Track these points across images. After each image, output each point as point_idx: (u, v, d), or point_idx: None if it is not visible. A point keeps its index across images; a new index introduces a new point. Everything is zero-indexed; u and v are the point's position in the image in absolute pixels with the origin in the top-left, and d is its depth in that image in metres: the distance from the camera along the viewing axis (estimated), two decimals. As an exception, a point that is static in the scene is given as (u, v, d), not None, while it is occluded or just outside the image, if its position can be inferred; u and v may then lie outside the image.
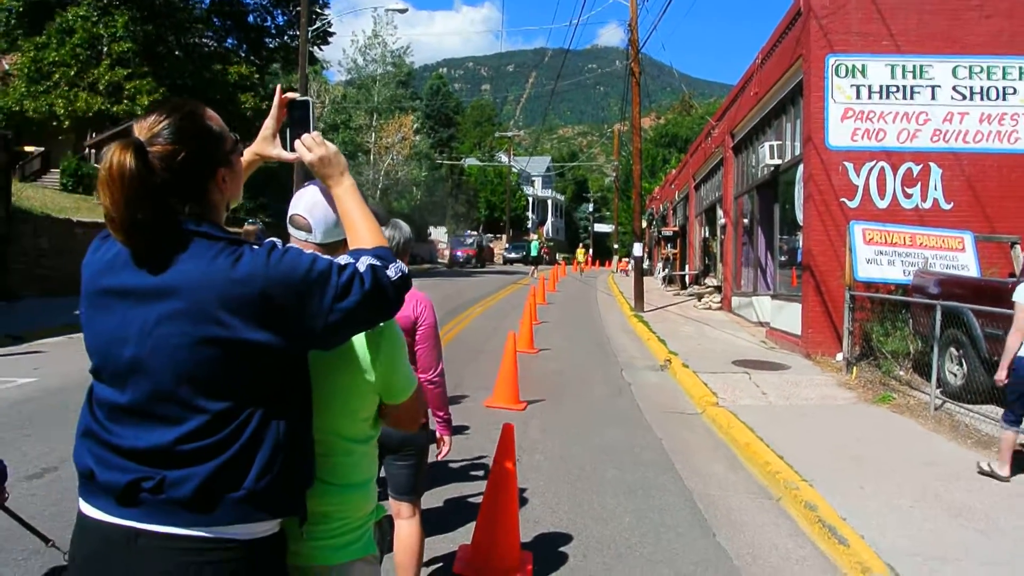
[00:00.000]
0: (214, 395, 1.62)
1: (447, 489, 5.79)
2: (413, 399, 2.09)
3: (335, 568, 1.94)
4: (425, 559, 3.95)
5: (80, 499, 1.70)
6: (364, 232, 1.90)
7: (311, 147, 1.98)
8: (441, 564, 4.49)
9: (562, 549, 4.80)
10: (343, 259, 1.73)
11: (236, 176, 1.87)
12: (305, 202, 2.09)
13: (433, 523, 4.80)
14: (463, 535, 4.85)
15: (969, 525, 5.24)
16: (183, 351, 1.60)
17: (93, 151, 29.49)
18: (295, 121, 2.13)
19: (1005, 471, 6.26)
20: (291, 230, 2.11)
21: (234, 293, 1.60)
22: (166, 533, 1.59)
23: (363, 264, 1.72)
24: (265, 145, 2.12)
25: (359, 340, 1.95)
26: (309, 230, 2.07)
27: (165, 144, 1.67)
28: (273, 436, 1.67)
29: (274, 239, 1.83)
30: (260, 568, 1.69)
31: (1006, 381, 6.26)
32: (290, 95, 2.12)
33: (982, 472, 6.40)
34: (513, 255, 58.16)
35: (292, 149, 2.07)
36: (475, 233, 58.13)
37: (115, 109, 27.06)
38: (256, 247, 1.68)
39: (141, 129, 1.69)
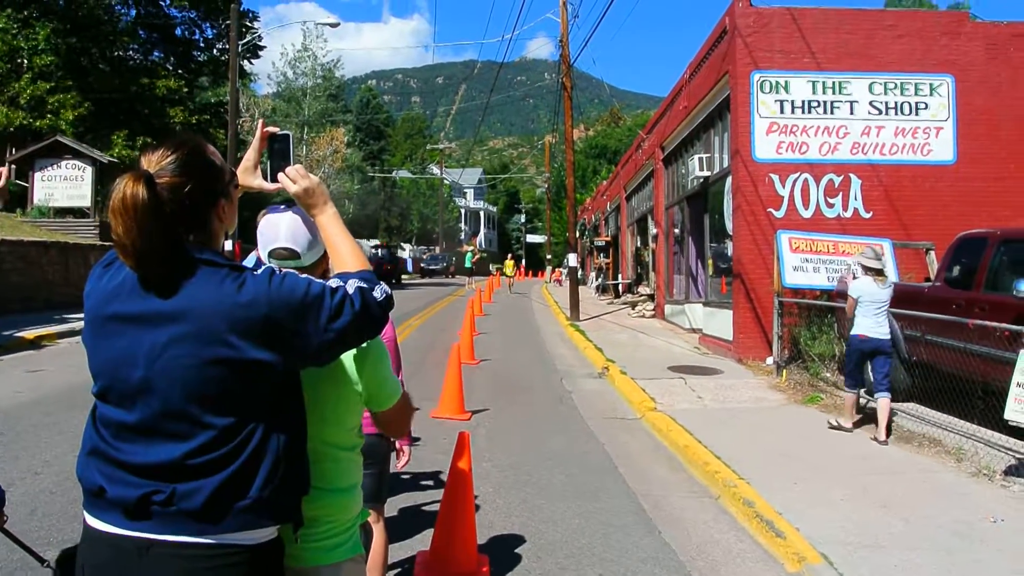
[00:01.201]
0: (221, 411, 1.75)
1: (400, 499, 5.90)
2: (401, 405, 2.26)
3: (326, 568, 2.07)
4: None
5: (87, 513, 1.81)
6: (349, 256, 2.05)
7: (295, 179, 2.13)
8: (399, 570, 4.62)
9: (517, 551, 4.98)
10: (333, 283, 1.88)
11: (233, 206, 2.02)
12: (284, 233, 2.22)
13: (390, 532, 4.92)
14: (419, 542, 4.99)
15: (895, 514, 5.59)
16: (192, 371, 1.73)
17: (14, 167, 28.58)
18: (275, 153, 2.25)
19: (849, 424, 8.16)
20: (274, 263, 2.21)
21: (240, 316, 1.74)
22: (177, 542, 1.72)
23: (351, 287, 1.87)
24: (247, 176, 2.22)
25: (347, 354, 2.10)
26: (297, 258, 2.21)
27: (172, 176, 1.80)
28: (274, 448, 1.81)
29: (271, 265, 1.98)
30: (262, 571, 1.83)
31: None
32: (271, 129, 2.26)
33: (832, 427, 8.25)
34: (433, 266, 57.18)
35: (274, 179, 2.19)
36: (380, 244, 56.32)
37: (38, 124, 26.32)
38: (257, 273, 1.82)
39: (149, 162, 1.82)
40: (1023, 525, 5.41)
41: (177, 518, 1.72)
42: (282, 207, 2.32)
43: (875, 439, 7.77)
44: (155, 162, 1.82)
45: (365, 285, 1.90)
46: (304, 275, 1.90)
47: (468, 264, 37.69)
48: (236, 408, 1.77)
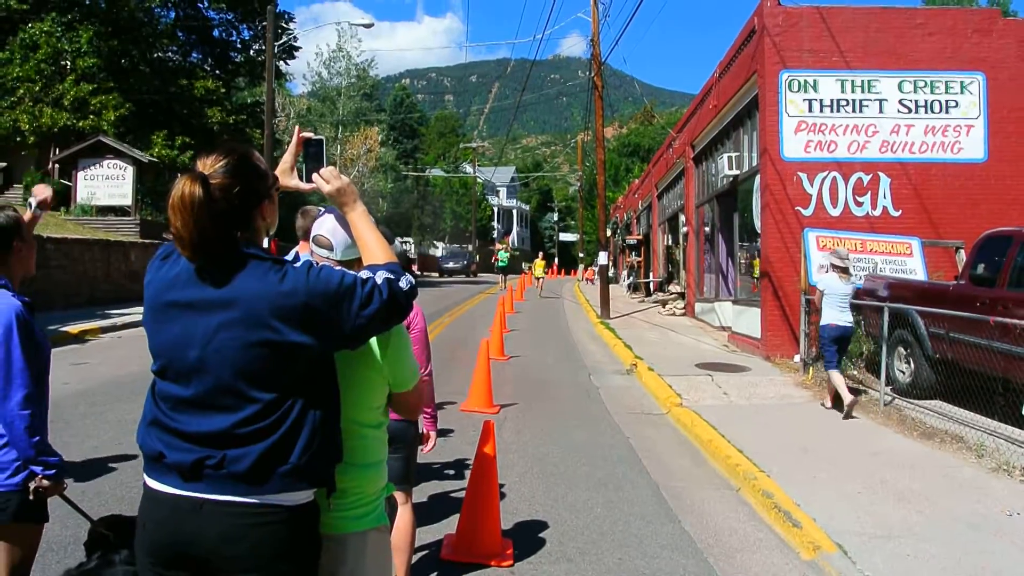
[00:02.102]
0: (265, 387, 2.00)
1: (429, 486, 6.14)
2: (416, 390, 2.49)
3: (353, 536, 2.30)
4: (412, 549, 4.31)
5: (147, 476, 2.08)
6: (376, 250, 2.28)
7: (329, 179, 2.37)
8: (427, 552, 4.84)
9: (540, 536, 5.19)
10: (364, 274, 2.12)
11: (274, 207, 2.27)
12: (327, 226, 2.48)
13: (418, 516, 5.15)
14: (447, 526, 5.22)
15: (911, 507, 5.71)
16: (240, 352, 1.98)
17: (57, 166, 29.34)
18: (310, 156, 2.52)
19: (847, 396, 8.78)
20: (314, 248, 2.49)
21: (282, 303, 1.99)
22: (226, 501, 1.97)
23: (380, 278, 2.10)
24: (285, 177, 2.47)
25: (373, 339, 2.33)
26: (331, 248, 2.46)
27: (223, 178, 2.05)
28: (311, 420, 2.06)
29: (310, 259, 2.23)
30: (299, 529, 2.07)
31: None
32: (306, 134, 2.52)
33: (825, 407, 9.26)
34: (451, 264, 53.12)
35: (308, 180, 2.45)
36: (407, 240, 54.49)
37: (80, 124, 26.98)
38: (296, 265, 2.06)
39: (204, 165, 2.07)
40: (1039, 518, 5.50)
41: (226, 480, 1.97)
42: (329, 208, 2.59)
43: (823, 404, 9.36)
44: (209, 165, 2.07)
45: (392, 276, 2.12)
46: (339, 267, 2.14)
47: (504, 263, 36.59)
48: (278, 385, 2.01)
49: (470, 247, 63.45)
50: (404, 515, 3.98)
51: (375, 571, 2.38)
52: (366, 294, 2.05)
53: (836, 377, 9.03)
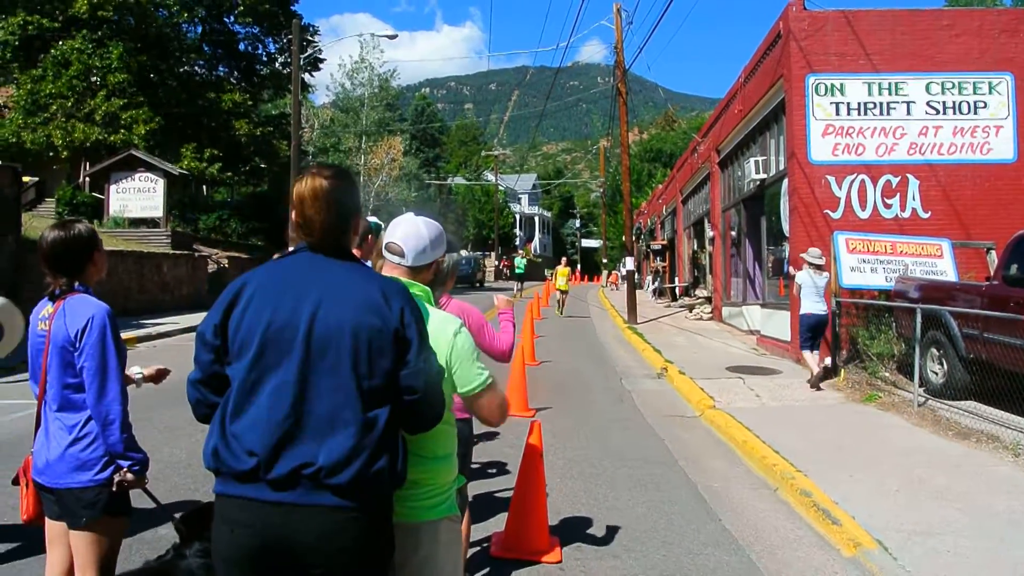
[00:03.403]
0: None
1: (473, 486, 6.26)
2: (487, 395, 2.57)
3: (426, 524, 2.45)
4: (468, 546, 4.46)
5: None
6: None
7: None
8: (478, 549, 4.99)
9: (585, 533, 5.32)
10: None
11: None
12: (401, 232, 2.63)
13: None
14: (492, 525, 5.36)
15: (949, 504, 5.78)
16: None
17: (88, 180, 29.88)
18: None
19: (816, 368, 10.66)
20: (386, 255, 2.64)
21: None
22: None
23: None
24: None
25: (440, 346, 2.47)
26: (402, 255, 2.60)
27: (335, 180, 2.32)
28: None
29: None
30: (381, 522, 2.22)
31: None
32: None
33: (810, 382, 10.66)
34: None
35: None
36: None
37: (112, 139, 27.54)
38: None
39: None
40: (1078, 515, 5.55)
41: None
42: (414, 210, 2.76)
43: (814, 383, 10.60)
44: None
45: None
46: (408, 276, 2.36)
47: (521, 270, 37.23)
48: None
49: (479, 253, 61.35)
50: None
51: (447, 558, 2.53)
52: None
53: (808, 356, 10.84)
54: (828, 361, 11.20)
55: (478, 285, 47.04)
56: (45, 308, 3.15)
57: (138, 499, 3.24)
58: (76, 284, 3.13)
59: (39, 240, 3.14)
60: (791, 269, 11.47)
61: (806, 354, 10.89)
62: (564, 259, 27.01)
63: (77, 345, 3.00)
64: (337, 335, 2.13)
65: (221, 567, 2.17)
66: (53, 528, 3.17)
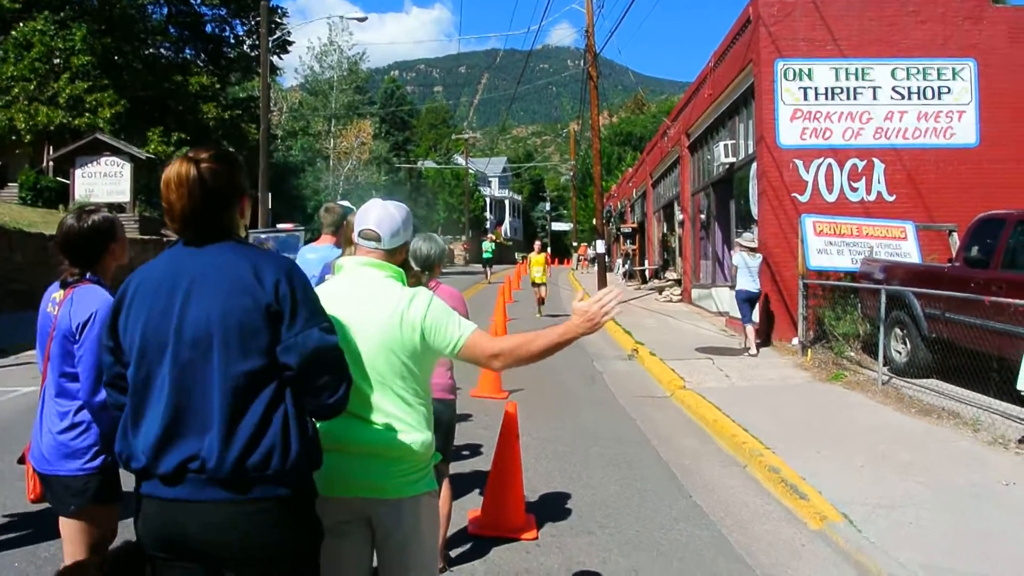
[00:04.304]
0: None
1: (450, 466, 6.36)
2: (477, 338, 2.60)
3: (408, 500, 2.54)
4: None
5: None
6: None
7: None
8: (456, 527, 5.07)
9: (560, 511, 5.44)
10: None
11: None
12: (375, 216, 2.68)
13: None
14: (470, 503, 5.46)
15: (912, 479, 5.97)
16: None
17: (52, 164, 29.42)
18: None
19: (752, 346, 12.13)
20: (360, 241, 2.69)
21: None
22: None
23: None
24: None
25: (414, 318, 2.56)
26: (378, 239, 2.67)
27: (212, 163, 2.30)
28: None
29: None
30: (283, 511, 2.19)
31: None
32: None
33: (746, 350, 12.18)
34: None
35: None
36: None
37: (76, 122, 27.13)
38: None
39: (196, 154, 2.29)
40: (1034, 487, 5.77)
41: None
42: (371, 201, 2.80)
43: (748, 351, 12.05)
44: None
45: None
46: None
47: (488, 255, 36.97)
48: None
49: (449, 237, 61.17)
50: (443, 488, 4.21)
51: (429, 533, 2.63)
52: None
53: (749, 328, 12.25)
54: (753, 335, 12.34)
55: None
56: (57, 292, 3.16)
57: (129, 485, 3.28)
58: (88, 274, 3.14)
59: (57, 227, 3.16)
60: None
61: (747, 327, 12.21)
62: (538, 243, 21.33)
63: (77, 337, 3.02)
64: (205, 324, 2.10)
65: (146, 548, 2.17)
66: None
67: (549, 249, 67.45)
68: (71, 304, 3.07)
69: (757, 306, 12.75)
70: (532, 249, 21.15)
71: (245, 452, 2.05)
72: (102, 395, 2.96)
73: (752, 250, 12.13)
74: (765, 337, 12.97)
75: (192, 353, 2.09)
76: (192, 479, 2.05)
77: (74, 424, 3.07)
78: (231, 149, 2.47)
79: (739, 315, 12.61)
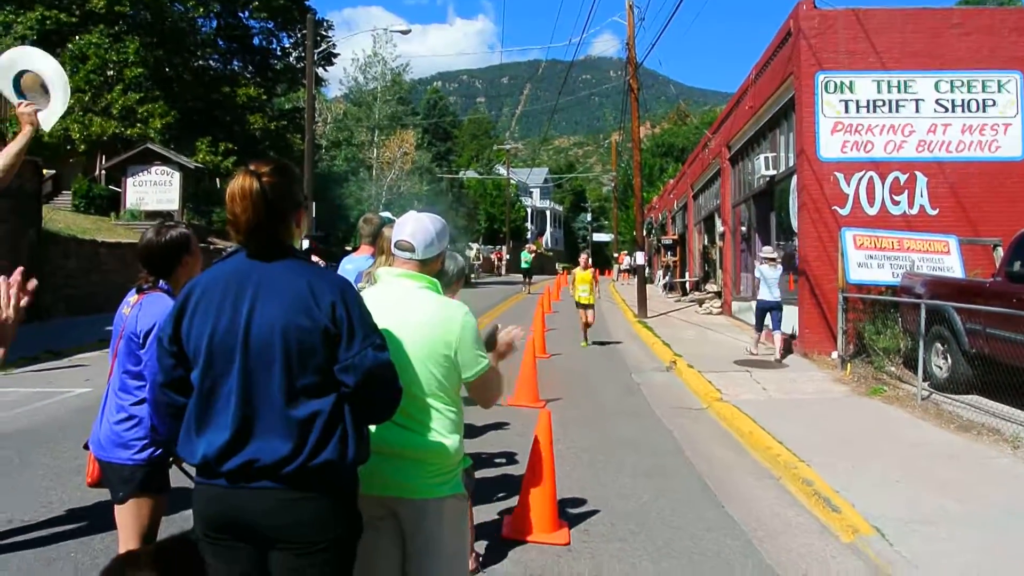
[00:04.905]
0: None
1: (485, 472, 6.50)
2: (484, 378, 2.80)
3: (432, 501, 2.67)
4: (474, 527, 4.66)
5: None
6: None
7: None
8: (488, 530, 5.19)
9: (593, 518, 5.52)
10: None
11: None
12: (410, 228, 2.83)
13: (474, 499, 5.51)
14: (504, 507, 5.58)
15: (948, 495, 5.95)
16: None
17: (104, 173, 30.19)
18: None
19: (755, 350, 13.31)
20: (396, 252, 2.84)
21: None
22: None
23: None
24: None
25: (448, 332, 2.73)
26: (413, 250, 2.81)
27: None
28: None
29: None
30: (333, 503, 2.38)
31: None
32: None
33: (750, 352, 13.24)
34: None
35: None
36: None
37: (128, 132, 27.89)
38: None
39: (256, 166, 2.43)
40: (1072, 505, 5.71)
41: None
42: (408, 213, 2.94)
43: (776, 359, 12.57)
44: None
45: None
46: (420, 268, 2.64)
47: (527, 265, 36.79)
48: None
49: (475, 248, 61.06)
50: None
51: (452, 535, 2.74)
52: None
53: (755, 337, 13.48)
54: (769, 341, 13.52)
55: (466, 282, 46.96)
56: (132, 296, 3.42)
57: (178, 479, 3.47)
58: (161, 282, 3.39)
59: (139, 238, 3.44)
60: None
61: (755, 335, 13.63)
62: (584, 256, 17.21)
63: (142, 343, 3.26)
64: (269, 337, 2.23)
65: (199, 527, 2.34)
66: None
67: (591, 259, 66.60)
68: (140, 309, 3.31)
69: (783, 315, 13.13)
70: (577, 263, 17.71)
71: (309, 457, 2.22)
72: None
73: (772, 260, 12.81)
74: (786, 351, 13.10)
75: (257, 365, 2.24)
76: (256, 476, 2.23)
77: (129, 417, 3.31)
78: (287, 161, 2.57)
79: (777, 327, 12.67)
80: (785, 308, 14.66)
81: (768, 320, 13.14)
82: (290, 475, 2.21)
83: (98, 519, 5.12)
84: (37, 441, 7.48)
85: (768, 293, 12.79)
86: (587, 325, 15.91)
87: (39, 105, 4.47)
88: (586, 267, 16.17)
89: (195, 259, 3.48)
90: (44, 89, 4.53)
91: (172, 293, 3.38)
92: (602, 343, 16.37)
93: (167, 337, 2.36)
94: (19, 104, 4.36)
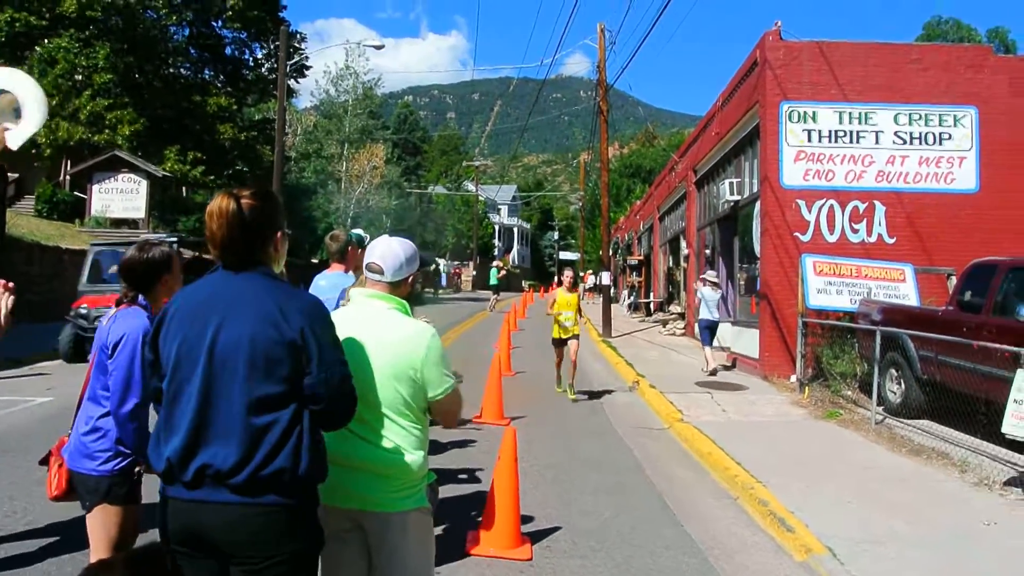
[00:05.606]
0: None
1: (445, 489, 6.58)
2: (447, 399, 2.90)
3: (396, 515, 2.76)
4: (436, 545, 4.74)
5: None
6: None
7: None
8: (451, 546, 5.27)
9: (555, 535, 5.64)
10: None
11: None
12: (379, 252, 2.96)
13: (439, 516, 5.61)
14: (469, 524, 5.67)
15: (898, 517, 6.15)
16: None
17: (69, 178, 29.85)
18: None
19: (709, 368, 13.84)
20: (367, 274, 2.97)
21: None
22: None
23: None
24: None
25: (414, 353, 2.83)
26: (382, 272, 2.94)
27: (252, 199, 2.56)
28: None
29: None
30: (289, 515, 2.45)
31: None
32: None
33: (711, 373, 13.79)
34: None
35: None
36: None
37: (96, 138, 27.61)
38: None
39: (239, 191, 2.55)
40: (1014, 528, 5.95)
41: None
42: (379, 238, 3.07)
43: (711, 372, 13.69)
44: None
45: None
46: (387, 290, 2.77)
47: (493, 281, 36.79)
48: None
49: (456, 263, 60.36)
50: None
51: (417, 548, 2.84)
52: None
53: (708, 351, 14.02)
54: (716, 359, 14.36)
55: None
56: (113, 309, 3.52)
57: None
58: (140, 298, 3.49)
59: (122, 255, 3.56)
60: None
61: (706, 350, 14.07)
62: (569, 273, 12.60)
63: (111, 354, 3.34)
64: (235, 347, 2.34)
65: (163, 539, 2.42)
66: None
67: (556, 279, 63.55)
68: (113, 321, 3.41)
69: (718, 333, 14.81)
70: (559, 282, 14.75)
71: (261, 464, 2.30)
72: (127, 407, 3.27)
73: (715, 284, 14.43)
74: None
75: (220, 370, 2.35)
76: (209, 483, 2.31)
77: (95, 429, 3.39)
78: (270, 188, 2.70)
79: (741, 350, 12.91)
80: (747, 331, 15.02)
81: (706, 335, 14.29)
82: (242, 483, 2.28)
83: (68, 531, 5.13)
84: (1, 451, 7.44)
85: (708, 313, 14.01)
86: (572, 365, 11.88)
87: (8, 124, 4.52)
88: (571, 288, 12.20)
89: (175, 279, 3.58)
90: (17, 111, 4.59)
91: (149, 308, 3.47)
92: (587, 393, 12.29)
93: (147, 346, 2.53)
94: None
